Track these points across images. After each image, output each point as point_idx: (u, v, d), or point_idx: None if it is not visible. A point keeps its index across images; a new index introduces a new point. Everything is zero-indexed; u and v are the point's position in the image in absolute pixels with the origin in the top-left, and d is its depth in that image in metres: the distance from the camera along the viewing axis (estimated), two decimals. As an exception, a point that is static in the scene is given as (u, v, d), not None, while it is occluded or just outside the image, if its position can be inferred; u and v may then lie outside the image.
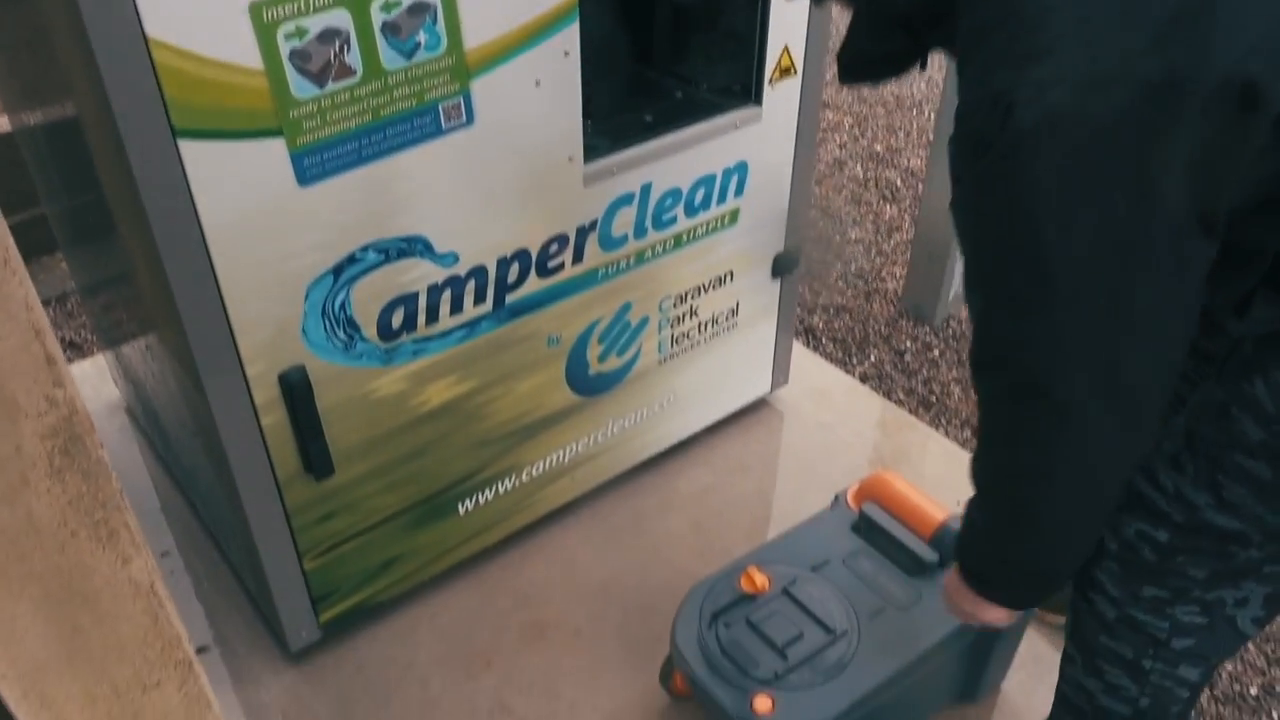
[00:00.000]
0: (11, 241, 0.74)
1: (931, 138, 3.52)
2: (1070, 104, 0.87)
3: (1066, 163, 0.89)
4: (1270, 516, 1.10)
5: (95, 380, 2.36)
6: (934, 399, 2.50)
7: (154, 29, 1.11)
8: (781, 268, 2.06)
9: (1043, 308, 0.97)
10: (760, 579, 1.60)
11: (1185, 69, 0.85)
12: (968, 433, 2.39)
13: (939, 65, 2.53)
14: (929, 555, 1.63)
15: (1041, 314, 0.97)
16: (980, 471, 1.17)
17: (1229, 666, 1.90)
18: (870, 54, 1.15)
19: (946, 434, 2.37)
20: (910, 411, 2.42)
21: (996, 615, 1.28)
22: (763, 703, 1.47)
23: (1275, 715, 1.83)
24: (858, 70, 1.18)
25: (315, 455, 1.52)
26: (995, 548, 1.22)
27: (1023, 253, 0.95)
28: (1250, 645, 1.94)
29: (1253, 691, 1.87)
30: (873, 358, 2.62)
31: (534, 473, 1.90)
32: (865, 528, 1.70)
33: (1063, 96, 0.87)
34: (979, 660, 1.68)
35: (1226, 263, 0.98)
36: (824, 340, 2.69)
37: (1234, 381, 1.07)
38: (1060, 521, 1.14)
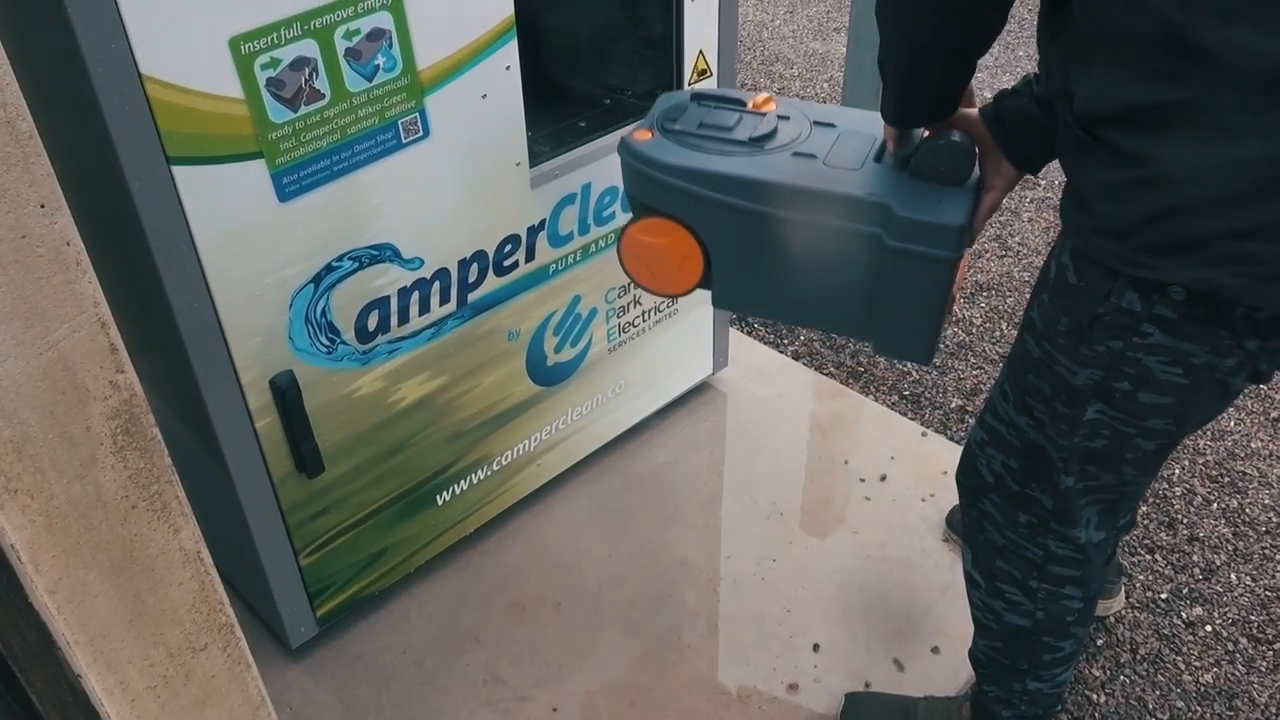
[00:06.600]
0: (81, 244, 0.86)
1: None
2: None
3: None
4: (1062, 438, 1.21)
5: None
6: (862, 369, 2.70)
7: (147, 66, 1.24)
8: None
9: None
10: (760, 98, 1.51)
11: None
12: (895, 397, 2.59)
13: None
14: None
15: None
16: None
17: (1141, 576, 2.13)
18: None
19: (876, 399, 2.57)
20: (841, 383, 2.62)
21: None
22: (643, 134, 1.44)
23: (1184, 614, 2.05)
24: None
25: (307, 454, 1.64)
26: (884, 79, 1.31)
27: None
28: (1158, 556, 2.17)
29: (1163, 596, 2.09)
30: (802, 337, 2.82)
31: (503, 462, 2.04)
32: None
33: None
34: (874, 296, 1.43)
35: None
36: (756, 326, 2.87)
37: (1024, 313, 1.23)
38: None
